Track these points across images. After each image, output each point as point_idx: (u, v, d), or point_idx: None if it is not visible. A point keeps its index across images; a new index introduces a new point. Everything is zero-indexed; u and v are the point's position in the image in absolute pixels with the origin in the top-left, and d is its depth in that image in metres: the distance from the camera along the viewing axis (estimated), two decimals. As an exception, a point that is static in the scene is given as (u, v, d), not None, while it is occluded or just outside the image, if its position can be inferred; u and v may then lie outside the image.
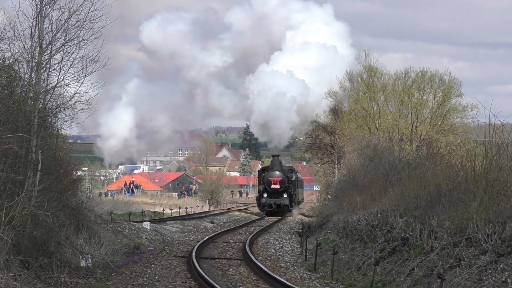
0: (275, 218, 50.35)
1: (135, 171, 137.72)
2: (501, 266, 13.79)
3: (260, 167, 64.10)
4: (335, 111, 59.16)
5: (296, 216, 54.39)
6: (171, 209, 56.79)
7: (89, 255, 20.48)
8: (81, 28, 19.72)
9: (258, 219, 49.83)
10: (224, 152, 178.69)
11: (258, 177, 60.30)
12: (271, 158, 60.04)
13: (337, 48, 63.01)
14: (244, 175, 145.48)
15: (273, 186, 55.61)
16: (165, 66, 77.56)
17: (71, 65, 19.84)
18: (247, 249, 25.65)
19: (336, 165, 56.66)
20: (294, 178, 57.82)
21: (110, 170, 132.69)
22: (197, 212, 59.21)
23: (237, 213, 60.05)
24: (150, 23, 70.85)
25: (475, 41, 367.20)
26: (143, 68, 77.18)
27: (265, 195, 55.85)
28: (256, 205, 60.54)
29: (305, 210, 64.88)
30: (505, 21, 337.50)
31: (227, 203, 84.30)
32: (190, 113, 74.20)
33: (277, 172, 55.94)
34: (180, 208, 59.65)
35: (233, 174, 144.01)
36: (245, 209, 67.82)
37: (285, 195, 55.66)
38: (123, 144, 70.07)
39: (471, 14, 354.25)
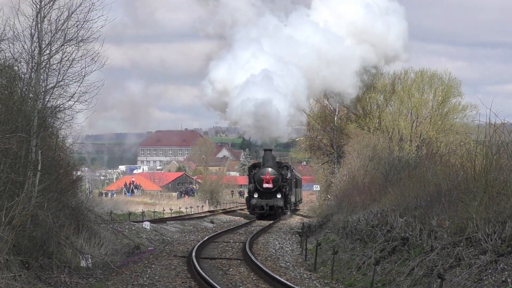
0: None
1: (135, 171, 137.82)
2: (501, 266, 13.79)
3: (251, 163, 56.02)
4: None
5: (289, 220, 48.95)
6: (171, 209, 56.78)
7: (89, 255, 20.48)
8: (81, 28, 19.74)
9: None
10: (224, 152, 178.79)
11: (248, 175, 53.09)
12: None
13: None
14: (244, 175, 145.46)
15: (265, 185, 48.54)
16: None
17: (70, 65, 19.87)
18: (247, 249, 25.64)
19: (336, 165, 56.62)
20: (289, 175, 51.03)
21: (110, 170, 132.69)
22: (197, 212, 59.06)
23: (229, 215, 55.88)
24: None
25: (474, 41, 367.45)
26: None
27: (255, 195, 48.76)
28: (246, 207, 53.81)
29: (305, 210, 64.69)
30: (503, 21, 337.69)
31: (227, 203, 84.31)
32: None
33: (270, 169, 48.69)
34: (180, 208, 59.65)
35: (233, 174, 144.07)
36: (242, 209, 66.44)
37: (278, 196, 48.61)
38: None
39: (469, 13, 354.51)
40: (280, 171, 49.55)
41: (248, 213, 51.80)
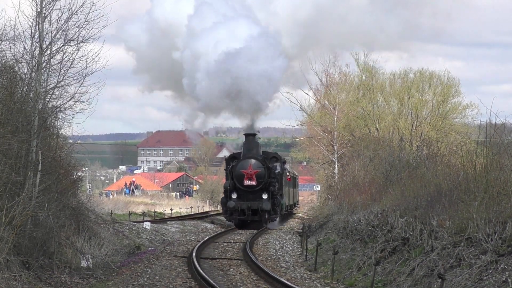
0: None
1: (135, 171, 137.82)
2: (501, 266, 13.80)
3: (229, 155, 41.35)
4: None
5: (278, 229, 38.10)
6: (171, 209, 56.83)
7: (89, 256, 20.49)
8: (81, 28, 19.76)
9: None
10: (224, 152, 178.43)
11: (225, 169, 40.19)
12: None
13: None
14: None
15: (247, 182, 37.10)
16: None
17: (70, 65, 19.88)
18: (248, 249, 25.62)
19: (336, 165, 56.56)
20: (279, 170, 38.66)
21: (110, 170, 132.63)
22: (197, 212, 59.11)
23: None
24: None
25: (470, 41, 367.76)
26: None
27: (234, 195, 37.23)
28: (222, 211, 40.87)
29: (305, 210, 64.35)
30: (500, 21, 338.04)
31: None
32: None
33: (253, 161, 37.11)
34: (180, 208, 59.67)
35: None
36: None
37: (264, 196, 37.03)
38: None
39: (466, 13, 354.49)
40: (267, 163, 37.92)
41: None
